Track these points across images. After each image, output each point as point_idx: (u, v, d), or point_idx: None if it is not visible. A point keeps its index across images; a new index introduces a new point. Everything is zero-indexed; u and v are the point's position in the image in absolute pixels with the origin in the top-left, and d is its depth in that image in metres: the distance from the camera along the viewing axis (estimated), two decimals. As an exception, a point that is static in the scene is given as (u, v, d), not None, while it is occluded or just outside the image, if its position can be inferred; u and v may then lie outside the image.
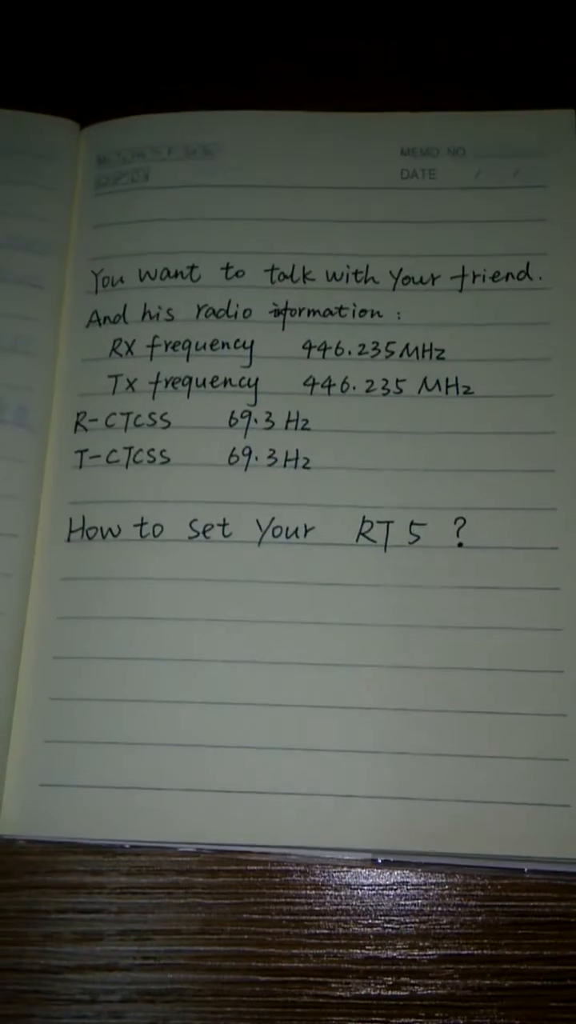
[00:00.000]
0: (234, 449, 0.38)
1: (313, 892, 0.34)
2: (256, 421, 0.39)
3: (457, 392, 0.39)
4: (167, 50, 0.46)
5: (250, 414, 0.39)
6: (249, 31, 0.46)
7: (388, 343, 0.39)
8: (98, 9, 0.47)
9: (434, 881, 0.34)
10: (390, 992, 0.33)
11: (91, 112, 0.44)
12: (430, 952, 0.34)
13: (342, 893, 0.34)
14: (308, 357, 0.40)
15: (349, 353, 0.39)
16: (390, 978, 0.33)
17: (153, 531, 0.37)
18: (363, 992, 0.33)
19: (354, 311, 0.40)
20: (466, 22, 0.46)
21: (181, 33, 0.47)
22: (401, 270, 0.40)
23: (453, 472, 0.38)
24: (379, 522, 0.37)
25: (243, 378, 0.39)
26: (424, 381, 0.39)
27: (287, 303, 0.40)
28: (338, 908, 0.34)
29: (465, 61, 0.45)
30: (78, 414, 0.39)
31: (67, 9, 0.47)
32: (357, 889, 0.34)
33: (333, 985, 0.33)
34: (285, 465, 0.38)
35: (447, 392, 0.39)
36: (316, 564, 0.37)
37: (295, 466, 0.38)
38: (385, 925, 0.34)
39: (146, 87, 0.45)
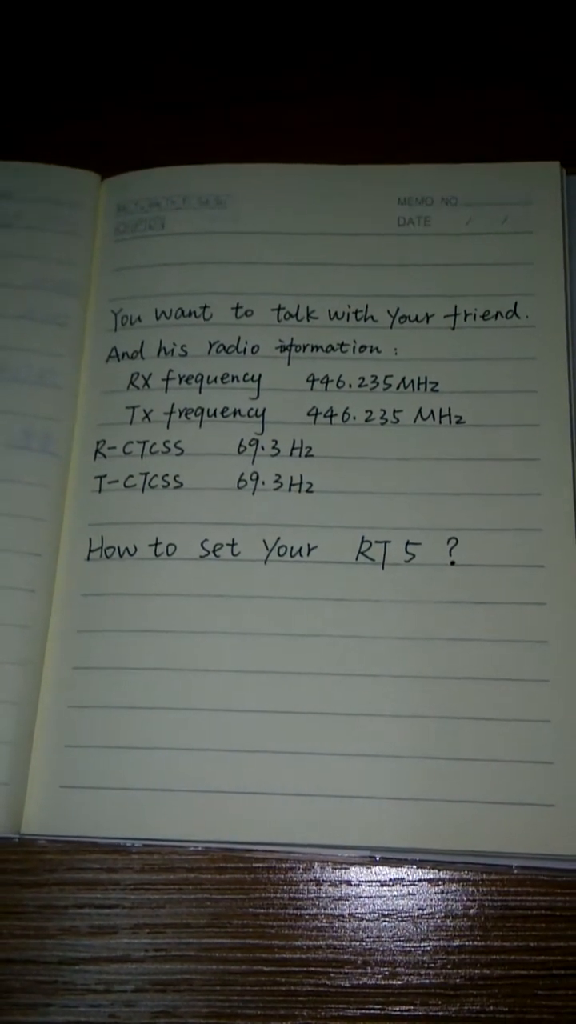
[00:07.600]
0: (242, 474, 0.40)
1: (315, 888, 0.36)
2: (263, 448, 0.41)
3: (450, 422, 0.40)
4: (183, 106, 0.49)
5: (257, 442, 0.41)
6: (257, 89, 0.49)
7: (386, 376, 0.41)
8: (119, 71, 0.50)
9: (428, 877, 0.36)
10: (386, 981, 0.34)
11: (111, 164, 0.46)
12: (424, 944, 0.35)
13: (342, 888, 0.36)
14: (312, 389, 0.41)
15: (350, 386, 0.41)
16: (386, 968, 0.35)
17: (167, 550, 0.39)
18: (361, 981, 0.34)
19: (354, 347, 0.42)
20: (460, 80, 0.48)
21: (195, 91, 0.49)
22: (398, 309, 0.42)
23: (446, 496, 0.39)
24: (377, 542, 0.39)
25: (251, 409, 0.41)
26: (419, 412, 0.41)
27: (292, 340, 0.42)
28: (338, 903, 0.35)
29: (459, 115, 0.47)
30: (98, 442, 0.41)
31: (90, 71, 0.50)
32: (356, 885, 0.36)
33: (333, 975, 0.35)
34: (290, 489, 0.40)
35: (440, 422, 0.40)
36: (319, 581, 0.38)
37: (299, 490, 0.40)
38: (382, 918, 0.35)
39: (163, 140, 0.47)
